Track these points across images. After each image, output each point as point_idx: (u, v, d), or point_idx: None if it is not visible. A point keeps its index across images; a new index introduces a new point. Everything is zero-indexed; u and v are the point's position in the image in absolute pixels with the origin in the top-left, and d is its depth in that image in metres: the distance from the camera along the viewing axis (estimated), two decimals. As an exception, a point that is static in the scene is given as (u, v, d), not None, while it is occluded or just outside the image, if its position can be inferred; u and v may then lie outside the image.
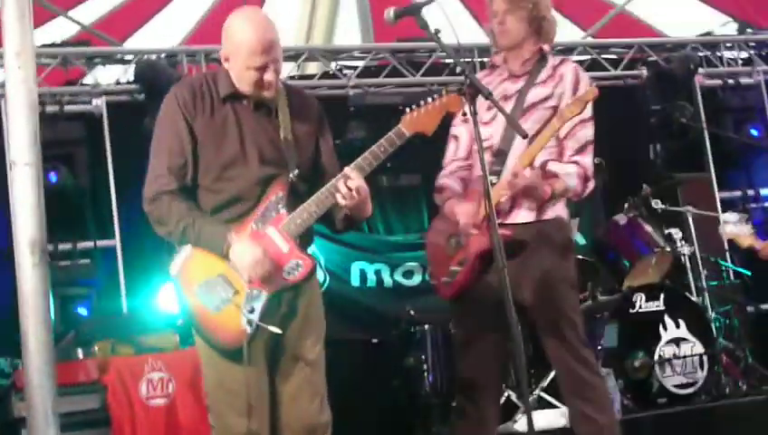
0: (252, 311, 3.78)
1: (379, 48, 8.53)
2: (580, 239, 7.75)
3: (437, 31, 3.81)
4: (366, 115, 8.07)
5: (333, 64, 8.43)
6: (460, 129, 4.46)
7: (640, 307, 6.32)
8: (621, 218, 6.93)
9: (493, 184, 4.04)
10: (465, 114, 3.87)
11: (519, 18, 4.27)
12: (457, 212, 4.23)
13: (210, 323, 3.80)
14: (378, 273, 8.39)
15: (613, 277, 7.02)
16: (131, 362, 5.48)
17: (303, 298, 3.93)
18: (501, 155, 4.24)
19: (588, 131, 4.26)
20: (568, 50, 8.57)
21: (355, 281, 8.40)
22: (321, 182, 3.89)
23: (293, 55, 8.23)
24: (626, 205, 6.95)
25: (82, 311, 7.47)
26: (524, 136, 3.88)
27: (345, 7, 9.42)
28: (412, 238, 8.53)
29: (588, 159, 4.26)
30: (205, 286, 3.79)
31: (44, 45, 7.55)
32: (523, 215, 4.23)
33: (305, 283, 3.90)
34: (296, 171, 3.87)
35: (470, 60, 8.22)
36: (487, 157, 4.09)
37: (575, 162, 4.23)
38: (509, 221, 4.20)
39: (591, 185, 4.26)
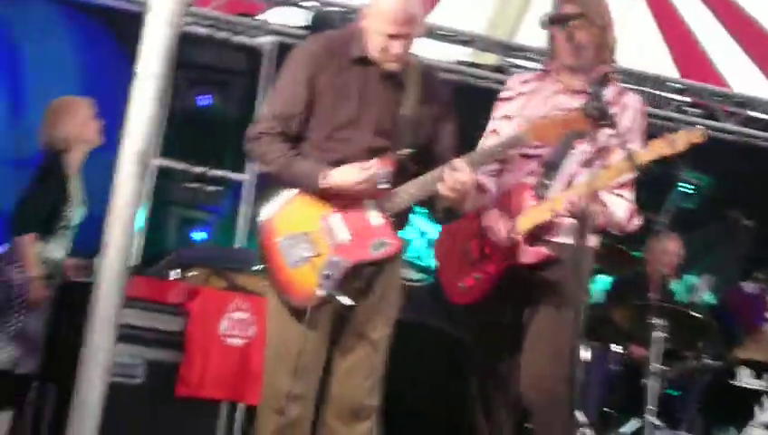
0: (328, 277, 3.71)
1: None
2: (709, 298, 7.41)
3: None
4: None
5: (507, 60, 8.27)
6: (501, 123, 4.23)
7: (742, 381, 5.97)
8: (748, 286, 6.60)
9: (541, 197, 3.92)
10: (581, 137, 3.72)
11: (591, 35, 3.98)
12: (493, 222, 4.05)
13: (284, 277, 3.77)
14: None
15: (725, 343, 6.67)
16: (220, 295, 5.47)
17: (383, 278, 3.85)
18: (551, 168, 4.03)
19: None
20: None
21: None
22: (434, 167, 3.78)
23: (468, 41, 8.08)
24: (757, 274, 6.59)
25: (199, 235, 7.60)
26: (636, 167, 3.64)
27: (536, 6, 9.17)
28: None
29: (632, 196, 4.03)
30: (289, 239, 3.76)
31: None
32: (564, 234, 4.01)
33: (388, 263, 3.81)
34: (407, 150, 3.77)
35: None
36: (534, 165, 3.97)
37: (622, 196, 4.00)
38: (551, 238, 4.03)
39: (636, 223, 4.04)
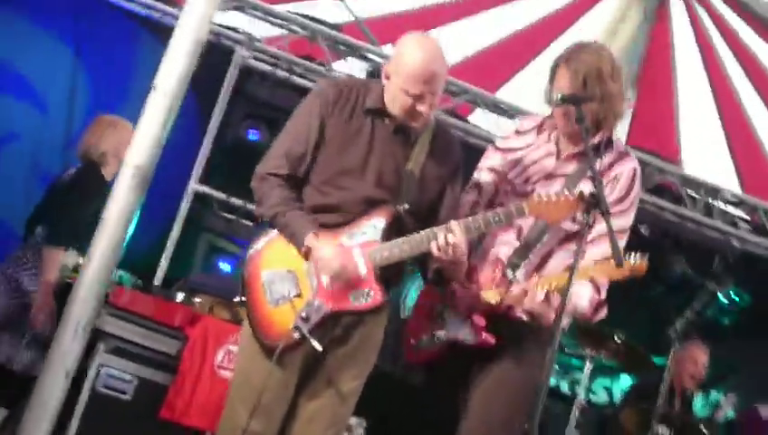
0: (306, 319, 3.66)
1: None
2: (731, 416, 7.16)
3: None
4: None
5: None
6: (484, 175, 4.08)
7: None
8: (765, 410, 6.32)
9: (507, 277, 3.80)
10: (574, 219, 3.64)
11: (589, 110, 3.75)
12: (458, 290, 3.89)
13: (263, 313, 3.73)
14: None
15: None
16: (221, 326, 5.47)
17: (363, 330, 3.78)
18: (526, 247, 3.87)
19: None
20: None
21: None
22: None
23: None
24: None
25: (225, 266, 7.61)
26: (618, 264, 3.47)
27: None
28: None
29: (605, 280, 3.80)
30: (272, 276, 3.73)
31: (302, 15, 7.75)
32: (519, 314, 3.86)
33: (370, 315, 3.74)
34: (406, 206, 3.73)
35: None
36: (512, 236, 3.86)
37: (592, 280, 3.77)
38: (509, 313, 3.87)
39: (603, 313, 3.82)
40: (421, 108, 3.66)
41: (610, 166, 3.85)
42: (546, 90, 3.87)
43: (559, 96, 3.65)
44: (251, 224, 7.54)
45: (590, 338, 5.88)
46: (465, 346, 3.85)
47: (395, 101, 3.71)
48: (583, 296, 3.76)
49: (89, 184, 5.48)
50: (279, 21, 7.65)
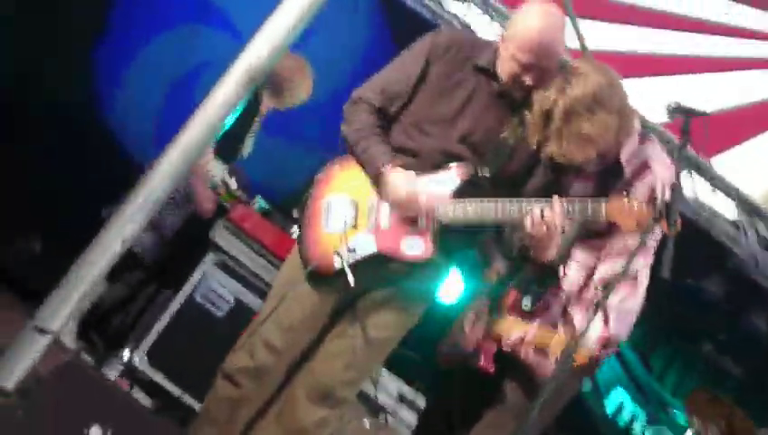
0: (353, 251, 3.57)
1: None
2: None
3: None
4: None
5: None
6: None
7: None
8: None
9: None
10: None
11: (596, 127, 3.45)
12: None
13: (315, 234, 3.70)
14: (634, 417, 7.49)
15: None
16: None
17: (407, 283, 3.66)
18: (543, 279, 3.72)
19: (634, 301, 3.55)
20: None
21: (610, 407, 7.56)
22: None
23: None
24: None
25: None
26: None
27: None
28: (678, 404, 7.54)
29: (614, 299, 3.50)
30: (335, 201, 3.69)
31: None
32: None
33: (419, 270, 3.59)
34: (486, 173, 3.55)
35: None
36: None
37: (596, 305, 3.38)
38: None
39: (610, 351, 3.60)
40: (527, 78, 3.51)
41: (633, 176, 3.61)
42: None
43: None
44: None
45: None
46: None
47: (504, 65, 3.57)
48: (591, 337, 3.52)
49: (248, 104, 5.57)
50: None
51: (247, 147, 5.72)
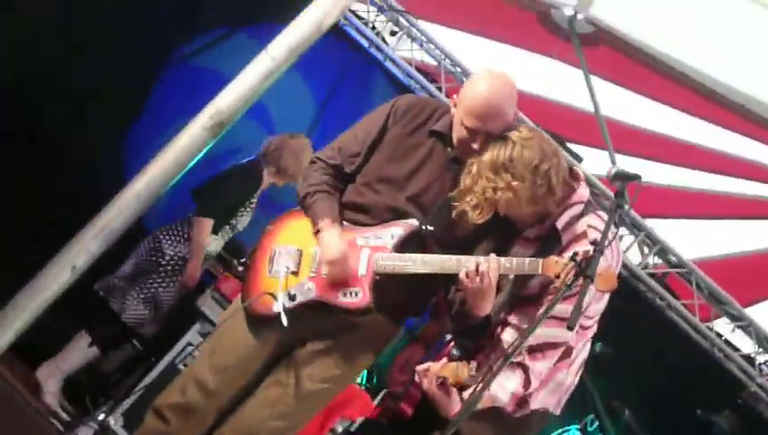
0: (293, 298, 3.60)
1: None
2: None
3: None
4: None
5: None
6: None
7: None
8: None
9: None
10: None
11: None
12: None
13: (257, 279, 3.72)
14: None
15: None
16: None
17: (350, 337, 3.64)
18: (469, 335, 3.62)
19: (559, 332, 3.35)
20: None
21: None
22: None
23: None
24: None
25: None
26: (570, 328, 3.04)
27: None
28: None
29: (541, 366, 3.41)
30: (281, 250, 3.72)
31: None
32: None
33: (363, 328, 3.61)
34: (431, 229, 3.58)
35: None
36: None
37: (522, 367, 3.40)
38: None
39: (526, 411, 3.48)
40: (474, 144, 3.52)
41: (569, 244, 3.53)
42: None
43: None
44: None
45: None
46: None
47: (455, 131, 3.61)
48: (506, 388, 3.45)
49: (250, 179, 5.72)
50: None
51: (243, 221, 5.84)
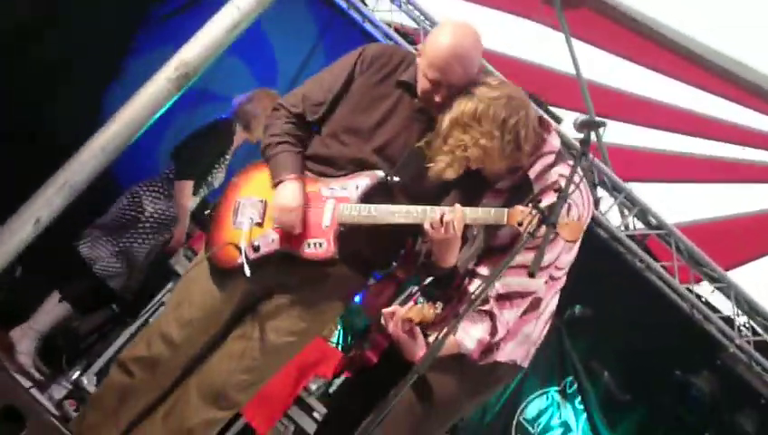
0: (256, 249, 3.56)
1: None
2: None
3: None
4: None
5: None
6: None
7: None
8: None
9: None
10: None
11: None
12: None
13: (222, 230, 3.67)
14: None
15: None
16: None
17: (316, 290, 3.61)
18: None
19: (526, 280, 3.37)
20: None
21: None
22: None
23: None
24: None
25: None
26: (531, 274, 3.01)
27: None
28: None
29: (508, 315, 3.41)
30: (245, 201, 3.68)
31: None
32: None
33: (323, 271, 3.56)
34: (396, 178, 3.53)
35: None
36: None
37: (489, 314, 3.37)
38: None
39: (494, 357, 3.48)
40: (437, 96, 3.49)
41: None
42: None
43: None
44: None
45: None
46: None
47: (419, 81, 3.57)
48: (471, 335, 3.43)
49: (222, 136, 5.70)
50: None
51: (218, 178, 5.81)
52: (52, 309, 5.56)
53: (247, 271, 3.48)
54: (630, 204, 6.90)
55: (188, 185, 5.62)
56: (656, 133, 7.87)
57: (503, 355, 3.52)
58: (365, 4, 7.29)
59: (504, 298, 3.42)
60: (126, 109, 3.80)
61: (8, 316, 5.63)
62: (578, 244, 3.48)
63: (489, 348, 3.46)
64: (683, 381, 6.96)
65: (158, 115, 3.93)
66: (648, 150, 8.02)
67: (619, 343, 7.19)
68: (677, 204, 7.86)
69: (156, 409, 3.66)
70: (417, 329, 3.46)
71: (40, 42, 6.42)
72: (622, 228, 6.91)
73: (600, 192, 6.86)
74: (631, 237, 6.89)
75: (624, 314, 7.03)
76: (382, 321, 3.54)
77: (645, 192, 7.62)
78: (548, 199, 3.28)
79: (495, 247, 3.51)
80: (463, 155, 3.40)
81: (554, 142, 3.56)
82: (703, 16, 7.06)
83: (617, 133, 7.86)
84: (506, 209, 3.26)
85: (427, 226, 3.34)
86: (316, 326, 3.71)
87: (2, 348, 5.40)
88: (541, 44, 7.73)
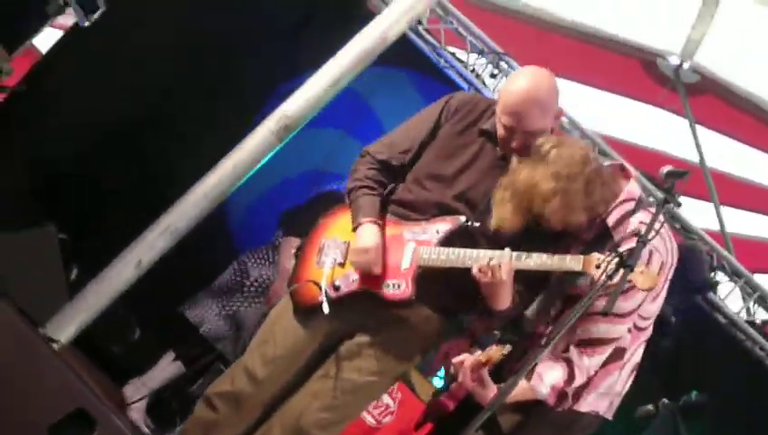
0: (337, 288, 3.66)
1: None
2: None
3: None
4: None
5: None
6: None
7: None
8: None
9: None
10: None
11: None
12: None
13: (305, 270, 3.78)
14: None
15: None
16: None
17: (395, 330, 3.65)
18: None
19: (608, 327, 3.35)
20: None
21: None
22: None
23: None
24: None
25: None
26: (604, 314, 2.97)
27: None
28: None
29: (589, 362, 3.36)
30: (329, 242, 3.77)
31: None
32: None
33: (404, 313, 3.61)
34: (478, 224, 3.60)
35: None
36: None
37: (566, 360, 3.34)
38: None
39: (566, 405, 3.41)
40: (513, 142, 3.55)
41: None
42: None
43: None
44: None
45: None
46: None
47: (498, 127, 3.63)
48: (545, 381, 3.42)
49: (329, 205, 5.79)
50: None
51: None
52: (166, 367, 5.74)
53: (326, 308, 3.56)
54: (751, 290, 6.68)
55: (293, 242, 5.73)
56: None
57: (585, 405, 3.48)
58: (485, 85, 7.39)
59: (583, 344, 3.40)
60: (229, 158, 3.98)
61: (123, 372, 5.83)
62: (663, 294, 3.45)
63: (564, 395, 3.42)
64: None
65: (259, 165, 4.10)
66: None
67: (736, 432, 6.87)
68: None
69: (239, 443, 3.73)
70: (486, 374, 3.45)
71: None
72: (742, 314, 6.68)
73: (719, 276, 6.67)
74: (751, 323, 6.65)
75: (742, 403, 6.73)
76: (451, 370, 3.56)
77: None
78: (628, 246, 3.27)
79: (574, 295, 3.50)
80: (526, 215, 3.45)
81: (634, 190, 3.57)
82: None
83: (741, 223, 7.70)
84: (582, 256, 3.26)
85: (475, 270, 3.39)
86: (398, 367, 3.74)
87: (114, 402, 5.59)
88: (663, 131, 7.70)
